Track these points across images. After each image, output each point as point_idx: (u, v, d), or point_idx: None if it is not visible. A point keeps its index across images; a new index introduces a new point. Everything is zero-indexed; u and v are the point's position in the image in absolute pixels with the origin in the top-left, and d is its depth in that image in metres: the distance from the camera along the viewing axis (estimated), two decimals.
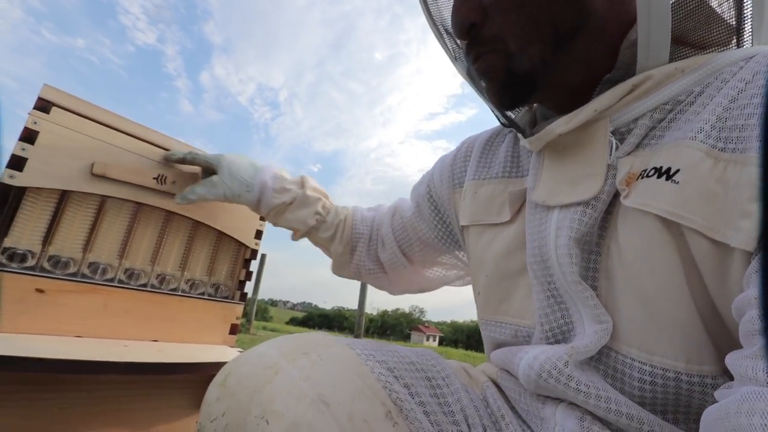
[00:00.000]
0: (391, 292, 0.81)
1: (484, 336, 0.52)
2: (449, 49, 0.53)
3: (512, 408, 0.44)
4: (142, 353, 0.68)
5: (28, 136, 0.66)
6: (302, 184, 0.79)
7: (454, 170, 0.63)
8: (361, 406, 0.33)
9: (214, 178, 0.76)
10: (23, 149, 0.65)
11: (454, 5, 0.43)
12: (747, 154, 0.30)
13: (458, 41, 0.51)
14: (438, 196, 0.65)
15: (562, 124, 0.41)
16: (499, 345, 0.49)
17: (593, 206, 0.38)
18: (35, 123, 0.67)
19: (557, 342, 0.41)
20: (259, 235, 0.99)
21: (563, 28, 0.40)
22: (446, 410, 0.39)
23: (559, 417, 0.38)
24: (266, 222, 1.00)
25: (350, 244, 0.78)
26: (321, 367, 0.35)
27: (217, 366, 0.76)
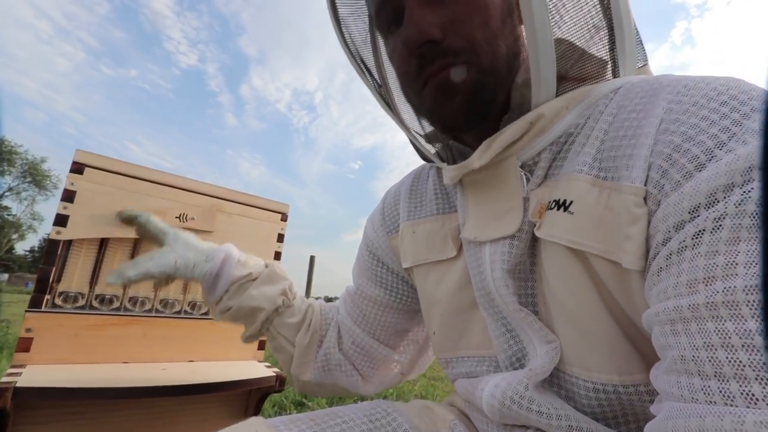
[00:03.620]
0: (367, 392, 0.66)
1: (447, 373, 0.51)
2: (369, 81, 0.54)
3: None
4: (177, 375, 0.77)
5: (69, 196, 0.78)
6: (266, 264, 0.69)
7: (385, 220, 0.61)
8: None
9: (164, 247, 0.64)
10: (65, 208, 0.77)
11: (407, 20, 0.39)
12: (620, 183, 0.32)
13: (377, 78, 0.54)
14: (380, 251, 0.61)
15: (476, 159, 0.42)
16: (463, 377, 0.49)
17: (519, 238, 0.40)
18: (72, 184, 0.78)
19: (515, 369, 0.42)
20: (278, 256, 1.06)
21: (510, 49, 0.41)
22: None
23: None
24: (283, 244, 1.07)
25: (319, 333, 0.66)
26: None
27: (246, 383, 0.84)
